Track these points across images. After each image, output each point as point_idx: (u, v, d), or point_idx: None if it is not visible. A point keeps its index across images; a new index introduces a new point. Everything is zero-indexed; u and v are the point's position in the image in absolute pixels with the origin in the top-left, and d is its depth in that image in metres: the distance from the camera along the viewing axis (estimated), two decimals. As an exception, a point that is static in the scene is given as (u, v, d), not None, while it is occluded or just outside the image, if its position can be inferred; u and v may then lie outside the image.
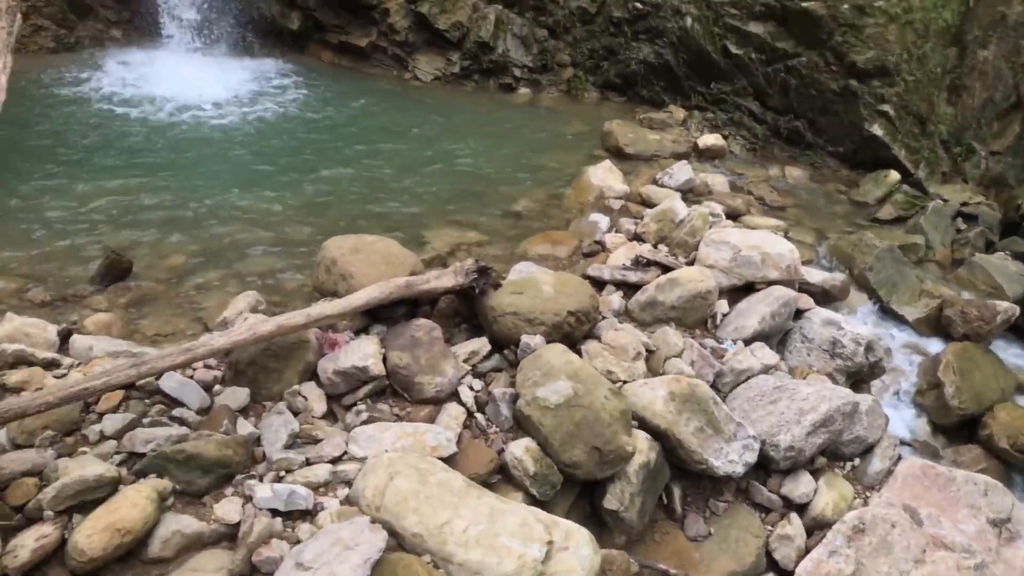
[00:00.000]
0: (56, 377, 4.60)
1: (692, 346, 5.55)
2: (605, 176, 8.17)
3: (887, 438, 5.64)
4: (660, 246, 6.72)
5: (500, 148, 9.69)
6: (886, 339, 6.89)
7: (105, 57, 11.58)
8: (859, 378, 6.24)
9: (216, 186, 8.15)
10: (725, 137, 9.91)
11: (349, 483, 4.18)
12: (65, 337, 5.03)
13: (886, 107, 9.34)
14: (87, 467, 3.77)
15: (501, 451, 4.60)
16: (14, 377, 4.47)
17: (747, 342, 5.84)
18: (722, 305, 6.09)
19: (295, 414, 4.62)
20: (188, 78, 10.81)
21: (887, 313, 7.19)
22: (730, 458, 4.86)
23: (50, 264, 6.37)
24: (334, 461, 4.31)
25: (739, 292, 6.31)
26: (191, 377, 4.64)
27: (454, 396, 4.91)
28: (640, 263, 6.34)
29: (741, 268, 6.24)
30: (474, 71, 11.72)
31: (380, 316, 5.34)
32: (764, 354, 5.69)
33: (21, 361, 4.62)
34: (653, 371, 5.36)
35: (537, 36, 11.45)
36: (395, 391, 4.92)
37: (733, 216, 7.58)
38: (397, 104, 10.95)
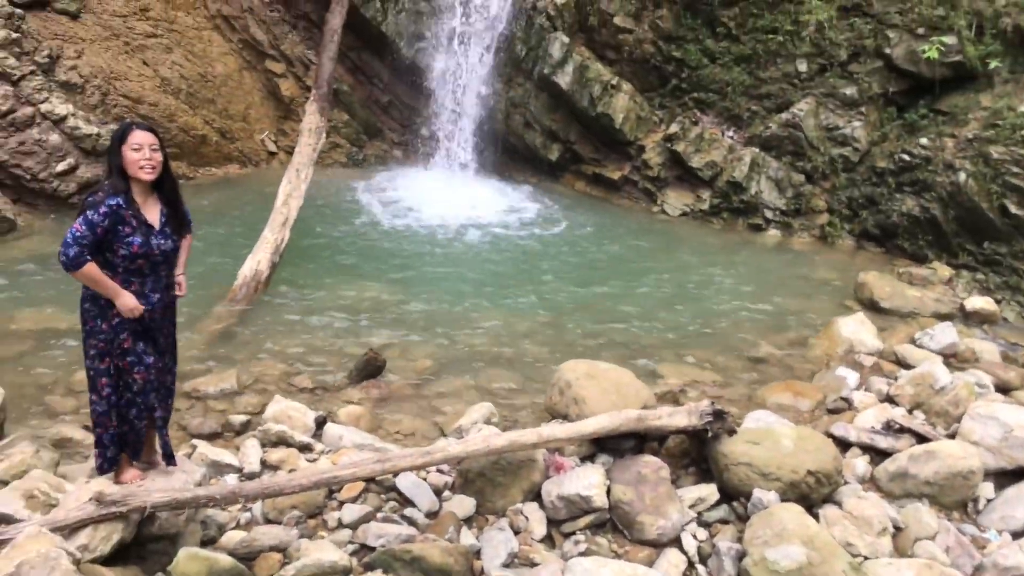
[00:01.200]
0: (308, 461, 4.98)
1: (948, 530, 4.97)
2: (857, 329, 7.73)
3: None
4: (916, 413, 6.18)
5: (744, 287, 9.53)
6: None
7: (385, 173, 12.91)
8: None
9: (465, 298, 8.67)
10: (998, 302, 9.07)
11: (561, 615, 4.11)
12: (320, 424, 5.47)
13: None
14: (324, 552, 4.01)
15: (721, 610, 4.33)
16: (274, 455, 4.90)
17: (1015, 535, 5.13)
18: (987, 489, 5.43)
19: (515, 533, 4.65)
20: (452, 197, 11.76)
21: None
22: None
23: (316, 354, 7.03)
24: (548, 589, 4.27)
25: (1008, 476, 5.60)
26: (425, 479, 4.85)
27: (676, 542, 4.72)
28: (892, 428, 5.86)
29: (1013, 450, 5.56)
30: (723, 209, 11.73)
31: (607, 446, 5.32)
32: (1037, 553, 4.96)
33: (282, 441, 5.07)
34: (900, 551, 4.84)
35: (793, 180, 11.29)
36: (615, 526, 4.82)
37: (1004, 389, 6.83)
38: (642, 235, 11.17)
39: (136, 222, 4.07)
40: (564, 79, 12.18)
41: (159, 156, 4.10)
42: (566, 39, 12.29)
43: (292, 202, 9.36)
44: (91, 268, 3.99)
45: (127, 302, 4.04)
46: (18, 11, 10.05)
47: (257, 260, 8.25)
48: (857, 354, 7.39)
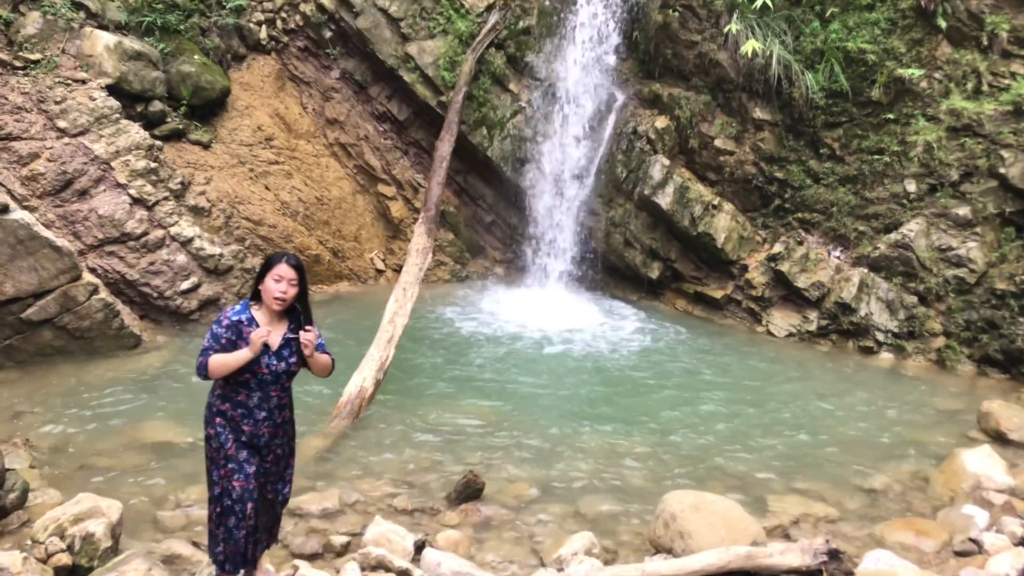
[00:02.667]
0: (410, 588, 4.93)
1: None
2: (984, 463, 7.24)
3: None
4: (1056, 559, 5.67)
5: (856, 413, 9.12)
6: None
7: (488, 290, 13.19)
8: None
9: (565, 418, 8.61)
10: None
11: None
12: (419, 548, 5.43)
13: None
14: None
15: None
16: (373, 581, 4.87)
17: None
18: None
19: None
20: (552, 315, 11.88)
21: None
22: None
23: (417, 473, 7.06)
24: None
25: None
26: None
27: None
28: (1029, 577, 5.38)
29: None
30: (832, 331, 11.39)
31: (715, 584, 5.07)
32: None
33: (381, 566, 5.05)
34: None
35: (905, 302, 10.91)
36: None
37: None
38: (747, 356, 10.91)
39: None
40: (664, 199, 12.32)
41: (294, 291, 4.37)
42: (666, 161, 12.50)
43: (398, 320, 9.63)
44: (214, 360, 4.32)
45: (254, 339, 4.28)
46: (158, 143, 10.99)
47: (363, 377, 8.45)
48: (985, 491, 6.89)
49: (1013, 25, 10.48)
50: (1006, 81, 10.67)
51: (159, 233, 10.56)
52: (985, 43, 10.72)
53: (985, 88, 10.82)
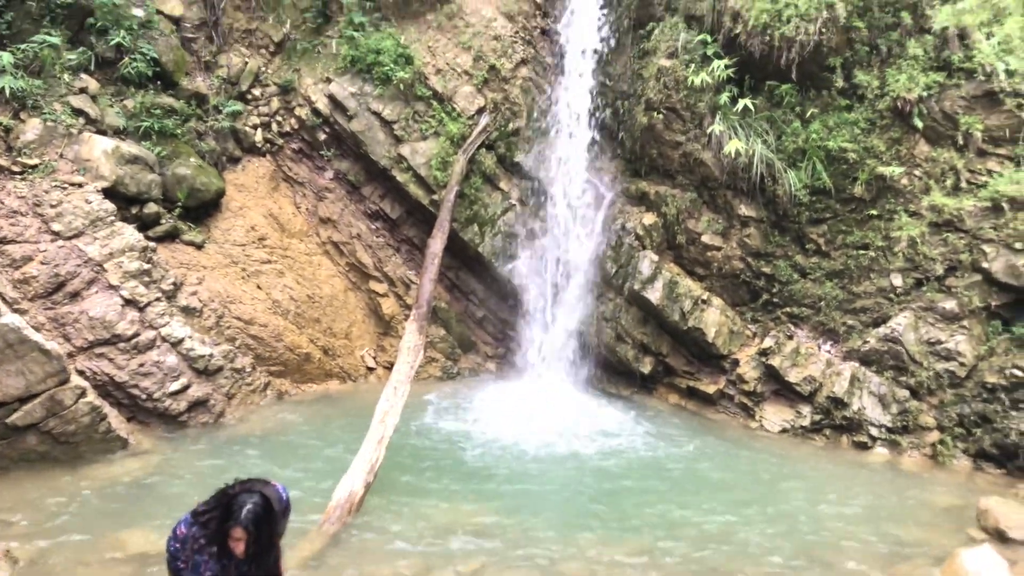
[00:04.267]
0: None
1: None
2: (985, 563, 7.08)
3: None
4: (1064, 670, 5.51)
5: (852, 512, 8.98)
6: None
7: (479, 387, 13.11)
8: None
9: (558, 521, 8.44)
10: None
11: None
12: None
13: None
14: None
15: None
16: None
17: None
18: None
19: None
20: (543, 412, 11.79)
21: None
22: None
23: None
24: None
25: None
26: None
27: None
28: None
29: None
30: (825, 426, 11.33)
31: None
32: None
33: None
34: None
35: (897, 396, 10.90)
36: None
37: None
38: (740, 453, 10.80)
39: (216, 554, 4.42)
40: (654, 294, 12.41)
41: (249, 552, 4.31)
42: (655, 257, 12.66)
43: (388, 420, 9.54)
44: None
45: None
46: (151, 244, 11.08)
47: (352, 480, 8.31)
48: (988, 594, 6.74)
49: (986, 125, 10.82)
50: (983, 178, 10.95)
51: (150, 334, 10.54)
52: (961, 142, 11.04)
53: (964, 185, 11.08)
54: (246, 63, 13.72)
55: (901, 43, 11.15)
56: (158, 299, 10.80)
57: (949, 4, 10.87)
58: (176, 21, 13.17)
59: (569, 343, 13.21)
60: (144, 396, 10.27)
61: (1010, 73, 10.53)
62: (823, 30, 11.13)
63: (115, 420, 9.81)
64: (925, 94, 11.01)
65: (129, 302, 10.52)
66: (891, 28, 11.21)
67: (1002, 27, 10.63)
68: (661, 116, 12.66)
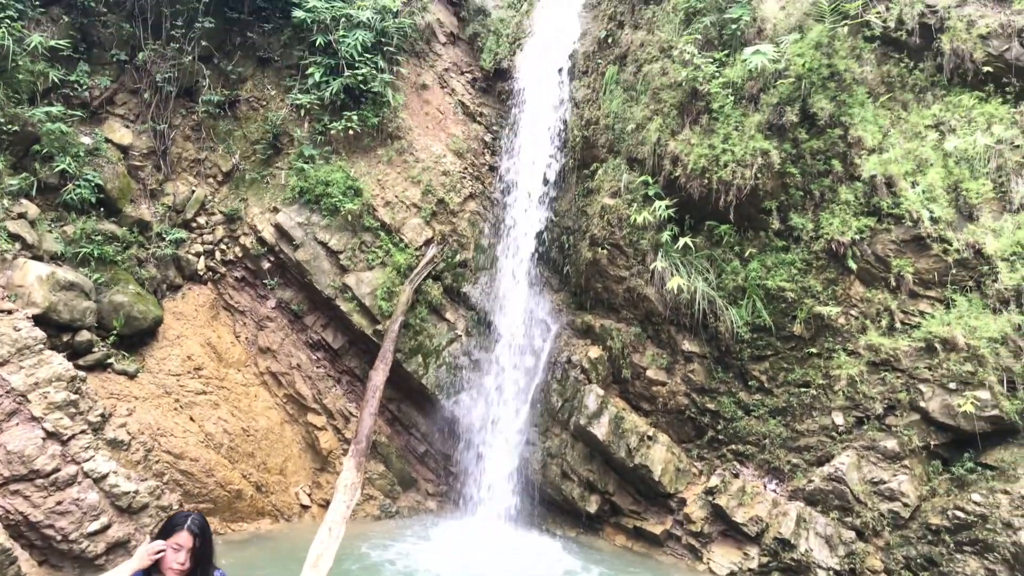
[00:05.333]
0: None
1: None
2: None
3: None
4: None
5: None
6: None
7: (419, 527, 12.58)
8: None
9: None
10: None
11: None
12: None
13: None
14: None
15: None
16: None
17: None
18: None
19: None
20: (488, 556, 11.29)
21: None
22: None
23: None
24: None
25: None
26: None
27: None
28: None
29: None
30: (773, 568, 11.06)
31: None
32: None
33: None
34: None
35: (843, 537, 10.74)
36: None
37: None
38: (689, 598, 10.45)
39: None
40: (600, 430, 12.27)
41: (191, 565, 4.12)
42: (600, 391, 12.59)
43: (322, 563, 9.08)
44: None
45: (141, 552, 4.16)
46: (80, 373, 10.64)
47: (278, 635, 7.78)
48: None
49: (916, 268, 11.20)
50: (916, 319, 11.23)
51: (71, 469, 9.97)
52: (893, 284, 11.37)
53: (898, 325, 11.34)
54: (193, 191, 13.73)
55: (833, 189, 11.63)
56: (83, 431, 10.28)
57: (876, 154, 11.45)
58: (124, 149, 13.20)
59: (513, 480, 12.87)
60: (59, 537, 9.60)
61: (935, 220, 11.00)
62: (758, 175, 11.58)
63: (25, 564, 9.15)
64: (858, 237, 11.41)
65: (52, 435, 9.99)
66: (823, 175, 11.72)
67: (925, 176, 11.19)
68: (605, 252, 12.89)
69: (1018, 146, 10.89)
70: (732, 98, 11.83)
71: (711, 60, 12.19)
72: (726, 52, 12.30)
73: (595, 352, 13.02)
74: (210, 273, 13.58)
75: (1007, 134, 10.92)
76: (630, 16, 14.06)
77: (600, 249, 12.93)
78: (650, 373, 12.61)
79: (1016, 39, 11.03)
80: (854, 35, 11.73)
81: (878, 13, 11.72)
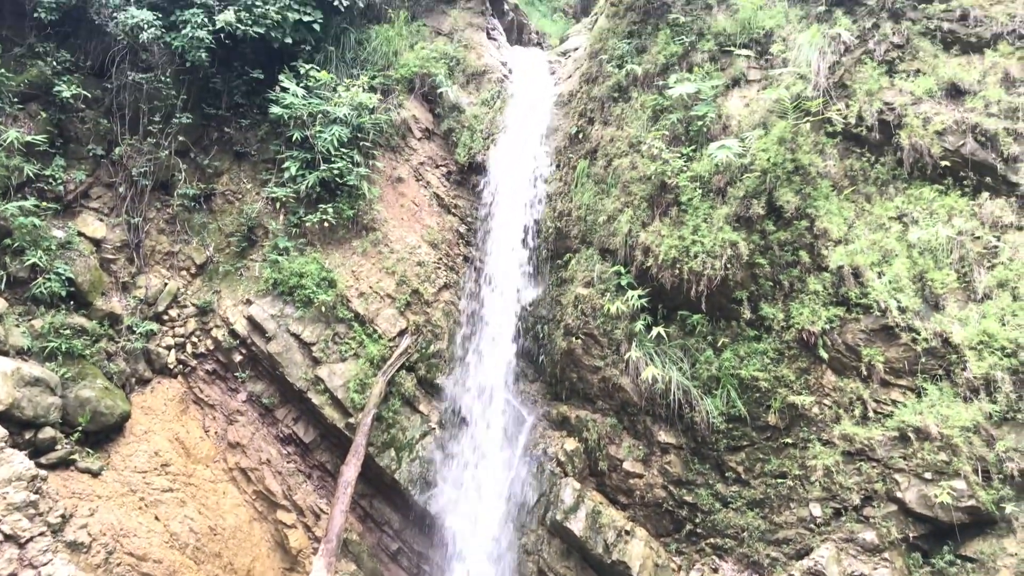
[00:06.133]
0: None
1: None
2: None
3: None
4: None
5: None
6: None
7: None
8: None
9: None
10: None
11: None
12: None
13: None
14: None
15: None
16: None
17: None
18: None
19: None
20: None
21: None
22: None
23: None
24: None
25: None
26: None
27: None
28: None
29: None
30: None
31: None
32: None
33: None
34: None
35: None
36: None
37: None
38: None
39: None
40: (577, 525, 12.03)
41: None
42: (577, 485, 12.41)
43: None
44: None
45: None
46: (42, 472, 10.34)
47: None
48: None
49: (887, 357, 11.29)
50: (888, 408, 11.26)
51: (28, 574, 9.59)
52: (865, 373, 11.43)
53: (871, 414, 11.35)
54: (166, 284, 13.67)
55: (802, 279, 11.81)
56: (42, 533, 9.93)
57: (842, 245, 11.68)
58: (97, 242, 13.19)
59: (488, 580, 12.54)
60: (10, 649, 9.17)
61: (903, 309, 11.16)
62: (728, 265, 11.74)
63: None
64: (828, 327, 11.53)
65: (9, 537, 9.64)
66: (791, 265, 11.91)
67: (891, 267, 11.40)
68: (580, 341, 12.90)
69: (979, 237, 11.18)
70: (700, 191, 12.10)
71: (679, 155, 12.52)
72: (693, 147, 12.64)
73: (571, 444, 12.89)
74: (180, 366, 13.41)
75: (967, 225, 11.22)
76: (600, 113, 14.47)
77: (575, 339, 12.95)
78: (627, 465, 12.46)
79: (970, 135, 11.45)
80: (816, 131, 12.12)
81: (839, 110, 12.13)
